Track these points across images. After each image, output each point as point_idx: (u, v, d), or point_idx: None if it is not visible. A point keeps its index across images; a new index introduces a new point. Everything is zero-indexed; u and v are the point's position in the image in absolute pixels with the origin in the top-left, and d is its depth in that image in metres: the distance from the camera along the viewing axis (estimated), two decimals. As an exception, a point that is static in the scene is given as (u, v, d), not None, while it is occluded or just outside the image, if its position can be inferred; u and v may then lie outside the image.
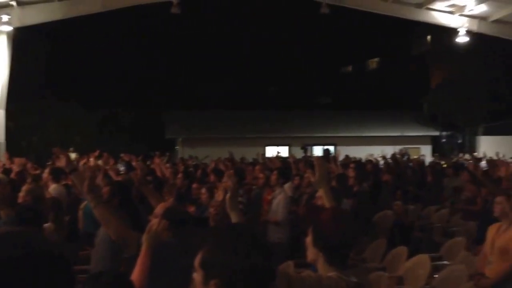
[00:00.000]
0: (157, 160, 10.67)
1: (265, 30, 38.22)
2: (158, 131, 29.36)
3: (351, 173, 8.77)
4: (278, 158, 13.86)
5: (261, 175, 9.21)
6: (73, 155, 13.32)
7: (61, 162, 4.55)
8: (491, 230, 5.09)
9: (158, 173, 8.96)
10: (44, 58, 29.13)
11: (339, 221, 2.50)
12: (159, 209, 3.67)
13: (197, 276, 1.65)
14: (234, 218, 2.93)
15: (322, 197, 3.20)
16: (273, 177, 7.76)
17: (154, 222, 3.30)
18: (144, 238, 3.17)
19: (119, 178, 7.65)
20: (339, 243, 2.43)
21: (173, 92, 35.34)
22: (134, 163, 10.12)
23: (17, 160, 11.42)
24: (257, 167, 10.47)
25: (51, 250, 1.47)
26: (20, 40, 18.50)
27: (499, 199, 5.17)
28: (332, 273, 2.39)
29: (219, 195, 5.57)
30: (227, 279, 1.56)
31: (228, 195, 3.03)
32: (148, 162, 12.31)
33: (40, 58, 28.54)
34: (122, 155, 14.14)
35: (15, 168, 10.22)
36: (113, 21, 27.63)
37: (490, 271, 4.89)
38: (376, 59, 45.36)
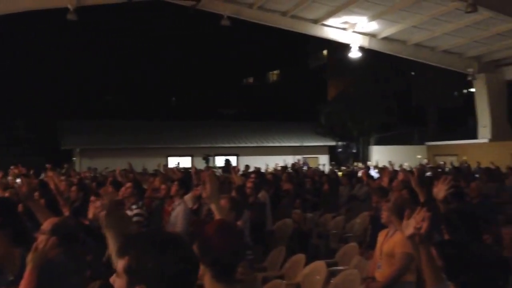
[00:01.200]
0: (49, 172, 10.11)
1: (167, 41, 37.86)
2: (54, 142, 27.93)
3: (249, 183, 8.86)
4: (178, 169, 13.72)
5: (162, 186, 9.05)
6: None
7: None
8: (380, 236, 5.33)
9: (52, 187, 8.50)
10: None
11: (224, 234, 2.45)
12: (46, 224, 3.41)
13: (118, 281, 1.62)
14: (110, 237, 2.71)
15: (214, 211, 3.16)
16: (174, 188, 7.65)
17: (41, 239, 3.12)
18: (29, 258, 2.97)
19: (7, 193, 7.18)
20: (225, 257, 2.37)
21: (71, 102, 33.83)
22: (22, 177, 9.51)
23: None
24: (157, 178, 10.29)
25: None
26: None
27: (384, 206, 5.42)
28: None
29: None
30: (153, 284, 1.55)
31: (103, 213, 2.80)
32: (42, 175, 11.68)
33: None
34: (11, 167, 13.30)
35: None
36: (6, 28, 26.01)
37: (379, 275, 5.12)
38: (276, 72, 46.55)
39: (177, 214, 7.13)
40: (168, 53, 38.75)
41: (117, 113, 33.13)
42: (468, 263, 3.54)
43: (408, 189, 6.33)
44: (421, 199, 5.05)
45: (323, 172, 17.79)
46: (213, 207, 3.15)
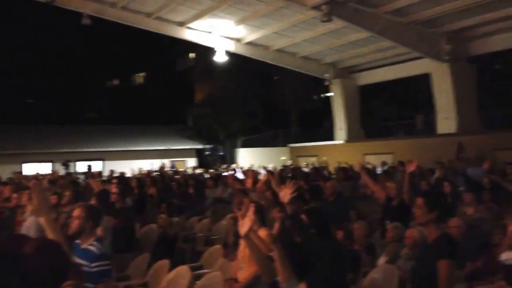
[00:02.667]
0: None
1: (24, 38, 35.33)
2: None
3: (113, 188, 8.57)
4: (30, 176, 12.91)
5: (13, 195, 8.43)
6: None
7: None
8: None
9: None
10: None
11: (43, 251, 2.34)
12: None
13: None
14: None
15: (44, 224, 2.95)
16: (25, 197, 7.15)
17: None
18: None
19: None
20: (46, 275, 2.23)
21: None
22: None
23: None
24: (8, 187, 9.56)
25: None
26: None
27: (237, 212, 5.54)
28: None
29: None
30: None
31: None
32: None
33: None
34: None
35: None
36: None
37: (241, 276, 5.24)
38: (142, 74, 45.62)
39: (30, 224, 6.67)
40: (25, 51, 36.17)
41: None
42: (315, 261, 3.75)
43: (271, 190, 6.56)
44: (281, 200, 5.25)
45: (190, 175, 17.78)
46: (41, 221, 2.93)
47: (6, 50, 34.77)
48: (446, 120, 19.04)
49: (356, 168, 16.08)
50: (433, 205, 3.90)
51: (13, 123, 29.32)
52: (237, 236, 7.20)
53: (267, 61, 22.94)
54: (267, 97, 33.48)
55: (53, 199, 8.85)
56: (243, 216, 3.60)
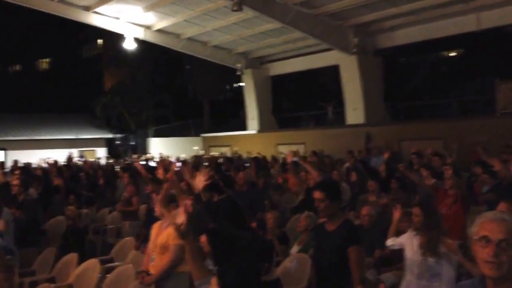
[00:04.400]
0: None
1: None
2: None
3: (14, 180, 8.12)
4: None
5: None
6: None
7: None
8: (154, 228, 5.37)
9: None
10: None
11: None
12: None
13: None
14: None
15: None
16: None
17: None
18: None
19: None
20: None
21: None
22: None
23: None
24: None
25: None
26: None
27: (156, 198, 5.48)
28: None
29: None
30: None
31: None
32: None
33: None
34: None
35: None
36: None
37: (153, 268, 5.15)
38: (47, 60, 43.32)
39: None
40: None
41: None
42: (233, 250, 3.79)
43: (185, 180, 6.51)
44: (195, 190, 5.24)
45: (99, 165, 17.22)
46: None
47: None
48: (354, 111, 19.76)
49: (269, 158, 16.42)
50: (333, 196, 4.02)
51: None
52: (148, 227, 7.10)
53: (177, 49, 22.63)
54: (179, 86, 33.10)
55: None
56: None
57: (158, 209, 5.37)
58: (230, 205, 4.56)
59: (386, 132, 17.86)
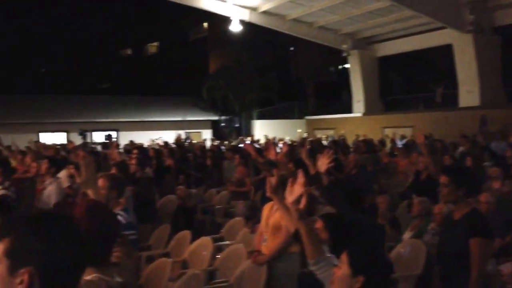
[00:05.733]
0: None
1: (39, 9, 35.09)
2: None
3: (132, 159, 8.47)
4: (49, 146, 12.87)
5: (33, 164, 8.37)
6: None
7: None
8: (265, 209, 5.34)
9: None
10: None
11: (93, 214, 2.32)
12: None
13: None
14: None
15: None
16: (44, 166, 7.07)
17: None
18: None
19: None
20: (96, 238, 2.21)
21: None
22: None
23: None
24: (28, 156, 9.49)
25: None
26: None
27: (269, 179, 5.43)
28: (92, 275, 2.18)
29: None
30: (43, 266, 1.43)
31: None
32: None
33: None
34: None
35: None
36: None
37: (265, 248, 5.14)
38: (155, 44, 45.16)
39: (50, 193, 6.62)
40: (39, 20, 35.95)
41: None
42: (353, 234, 3.62)
43: (294, 162, 6.41)
44: (311, 171, 5.09)
45: (204, 146, 17.68)
46: (90, 192, 2.84)
47: (19, 20, 34.66)
48: (468, 93, 18.64)
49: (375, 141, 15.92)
50: (460, 181, 3.74)
51: (28, 93, 29.32)
52: (255, 208, 7.08)
53: (282, 31, 22.54)
54: (283, 68, 33.06)
55: (71, 169, 8.79)
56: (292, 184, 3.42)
57: (269, 190, 5.31)
58: (348, 188, 4.39)
59: (503, 115, 16.61)
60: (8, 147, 13.62)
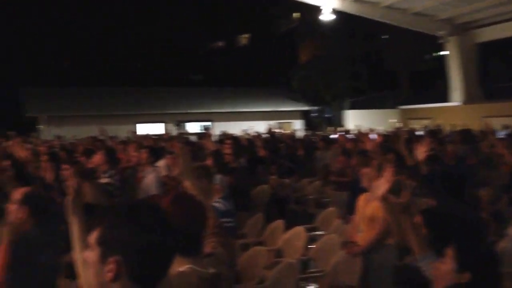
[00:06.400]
0: (15, 141, 9.72)
1: (130, 4, 36.72)
2: (14, 110, 26.93)
3: (227, 149, 8.68)
4: (148, 136, 13.47)
5: (135, 154, 8.79)
6: None
7: None
8: (361, 200, 5.27)
9: (18, 155, 8.16)
10: None
11: (180, 205, 2.34)
12: (16, 194, 3.26)
13: (92, 255, 1.53)
14: (73, 224, 2.52)
15: (189, 188, 2.94)
16: (143, 155, 7.41)
17: (12, 209, 3.04)
18: (6, 231, 2.90)
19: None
20: (185, 229, 2.22)
21: (31, 68, 32.49)
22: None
23: None
24: (131, 146, 9.99)
25: None
26: None
27: (364, 170, 5.35)
28: (184, 266, 2.21)
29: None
30: (130, 255, 1.49)
31: (67, 198, 2.58)
32: (4, 144, 11.26)
33: None
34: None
35: None
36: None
37: (360, 238, 5.08)
38: (246, 35, 45.76)
39: (149, 182, 6.94)
40: (133, 16, 37.64)
41: (82, 79, 32.19)
42: (455, 229, 3.47)
43: (392, 152, 6.27)
44: (408, 162, 4.97)
45: (297, 137, 17.69)
46: (187, 183, 2.93)
47: (118, 16, 36.45)
48: None
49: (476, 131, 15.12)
50: None
51: (126, 86, 30.87)
52: (352, 199, 6.99)
53: (376, 19, 21.94)
54: (375, 57, 32.27)
55: (169, 159, 9.16)
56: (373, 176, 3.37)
57: (366, 180, 5.25)
58: (451, 178, 4.21)
59: None
60: (112, 138, 14.46)
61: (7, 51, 32.23)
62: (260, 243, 6.57)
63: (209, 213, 2.60)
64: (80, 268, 2.21)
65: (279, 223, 7.02)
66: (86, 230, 1.62)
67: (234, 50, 45.47)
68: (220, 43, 48.25)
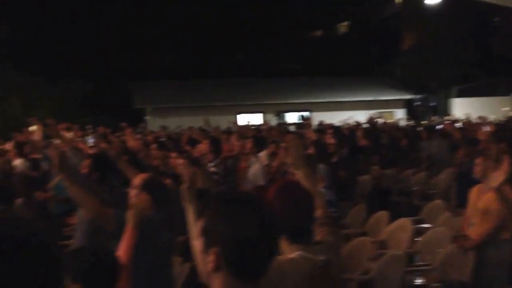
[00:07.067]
0: (128, 131, 10.36)
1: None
2: (124, 102, 28.66)
3: (328, 139, 8.63)
4: (250, 126, 13.69)
5: (237, 143, 9.01)
6: (34, 128, 12.87)
7: (36, 135, 4.35)
8: (473, 192, 5.03)
9: (130, 145, 8.67)
10: (5, 31, 27.94)
11: (288, 194, 2.36)
12: (137, 180, 3.51)
13: (198, 243, 1.58)
14: (190, 210, 2.63)
15: (301, 178, 2.90)
16: (248, 145, 7.56)
17: (133, 194, 3.25)
18: (130, 214, 3.07)
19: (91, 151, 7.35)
20: (292, 218, 2.24)
21: (138, 61, 34.27)
22: (109, 137, 9.81)
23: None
24: (234, 136, 10.25)
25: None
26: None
27: (478, 160, 5.10)
28: (295, 253, 2.22)
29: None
30: (227, 248, 1.49)
31: (183, 185, 2.69)
32: (117, 134, 12.01)
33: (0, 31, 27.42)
34: (87, 127, 13.77)
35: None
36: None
37: (473, 232, 4.85)
38: (345, 23, 44.90)
39: (255, 171, 7.06)
40: (233, 7, 38.31)
41: (184, 72, 33.41)
42: None
43: (506, 141, 5.91)
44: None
45: (400, 126, 17.15)
46: (298, 174, 2.93)
47: (219, 10, 37.30)
48: None
49: None
50: None
51: (227, 77, 31.60)
52: (461, 191, 6.69)
53: (488, 0, 20.57)
54: (485, 41, 30.34)
55: (272, 148, 9.26)
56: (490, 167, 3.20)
57: (480, 171, 4.98)
58: None
59: None
60: (215, 128, 14.90)
61: (120, 47, 34.28)
62: (363, 234, 6.48)
63: (319, 202, 2.59)
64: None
65: (383, 214, 6.89)
66: (199, 217, 1.66)
67: (333, 38, 44.86)
68: (319, 32, 47.77)
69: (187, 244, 4.83)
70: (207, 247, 1.52)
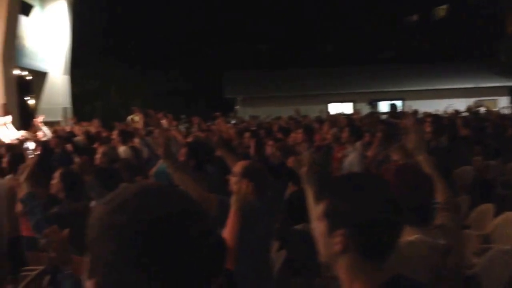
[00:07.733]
0: (220, 120, 10.61)
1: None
2: (215, 91, 29.31)
3: (427, 127, 8.29)
4: (342, 115, 13.53)
5: (330, 132, 8.92)
6: (136, 118, 13.55)
7: (139, 124, 4.57)
8: None
9: (223, 134, 8.85)
10: (105, 23, 29.33)
11: (405, 177, 2.36)
12: (237, 167, 3.61)
13: (320, 225, 1.58)
14: (310, 193, 2.71)
15: (422, 163, 2.93)
16: (345, 134, 7.45)
17: (236, 182, 3.36)
18: (233, 200, 3.16)
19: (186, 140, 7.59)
20: (412, 200, 2.22)
21: (230, 51, 34.88)
22: (209, 126, 10.12)
23: (92, 123, 11.92)
24: (325, 125, 10.14)
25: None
26: (81, 6, 18.76)
27: None
28: (414, 237, 2.21)
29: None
30: (356, 230, 1.50)
31: (303, 169, 2.84)
32: (209, 123, 12.34)
33: (101, 23, 28.80)
34: (183, 116, 14.26)
35: (93, 129, 10.58)
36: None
37: None
38: (443, 6, 42.82)
39: (352, 160, 6.95)
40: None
41: (275, 62, 33.54)
42: None
43: None
44: None
45: (505, 115, 16.12)
46: (420, 159, 2.92)
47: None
48: None
49: None
50: None
51: (317, 67, 31.33)
52: None
53: None
54: None
55: (367, 137, 9.05)
56: None
57: None
58: None
59: None
60: (304, 117, 14.86)
61: (213, 38, 35.09)
62: (465, 227, 6.16)
63: (441, 187, 2.63)
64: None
65: (488, 207, 6.53)
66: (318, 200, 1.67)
67: (431, 23, 42.98)
68: (415, 17, 45.99)
69: (283, 230, 4.88)
70: (331, 229, 1.52)
